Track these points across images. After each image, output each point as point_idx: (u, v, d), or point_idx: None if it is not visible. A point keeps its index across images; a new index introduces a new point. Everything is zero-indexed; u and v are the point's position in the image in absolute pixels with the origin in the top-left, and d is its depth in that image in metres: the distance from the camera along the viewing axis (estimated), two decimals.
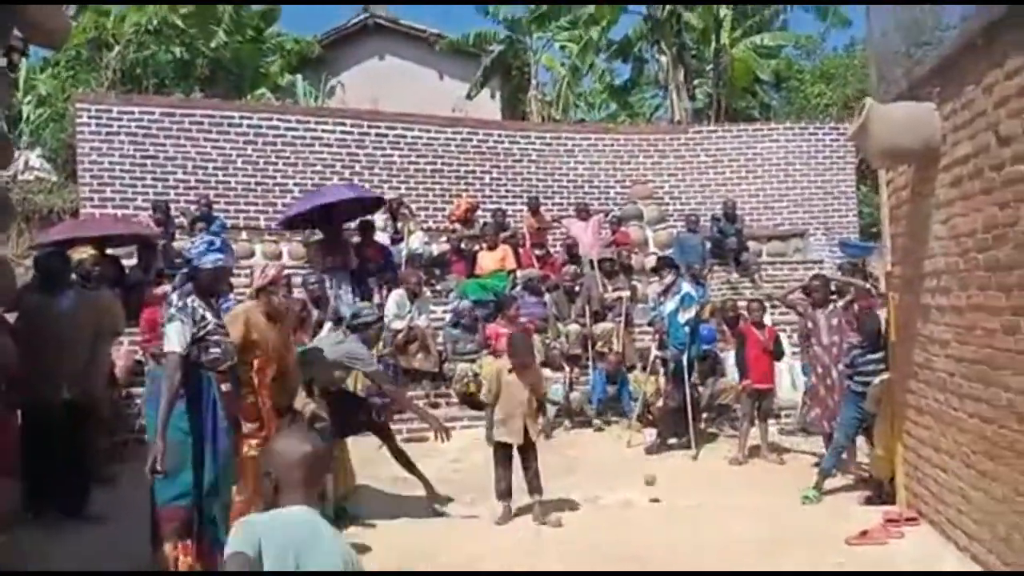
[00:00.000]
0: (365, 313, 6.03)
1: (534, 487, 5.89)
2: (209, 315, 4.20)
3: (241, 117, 12.07)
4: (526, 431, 5.84)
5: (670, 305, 8.23)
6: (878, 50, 6.59)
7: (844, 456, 6.66)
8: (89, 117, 11.29)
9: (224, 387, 4.33)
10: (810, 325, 7.36)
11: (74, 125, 11.80)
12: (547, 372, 9.10)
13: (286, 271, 5.04)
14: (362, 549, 5.06)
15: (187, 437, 4.08)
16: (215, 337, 4.22)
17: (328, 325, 8.05)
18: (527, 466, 5.91)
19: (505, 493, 5.90)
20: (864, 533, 5.20)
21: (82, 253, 6.21)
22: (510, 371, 5.93)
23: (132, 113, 11.45)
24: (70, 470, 5.51)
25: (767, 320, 8.67)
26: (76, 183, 11.70)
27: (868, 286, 8.82)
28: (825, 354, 7.07)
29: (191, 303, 4.16)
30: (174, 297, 4.19)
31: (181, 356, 4.04)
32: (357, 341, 5.73)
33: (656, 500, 6.33)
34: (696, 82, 20.16)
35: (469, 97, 18.48)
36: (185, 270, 4.30)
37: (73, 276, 6.16)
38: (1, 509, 3.80)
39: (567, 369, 9.41)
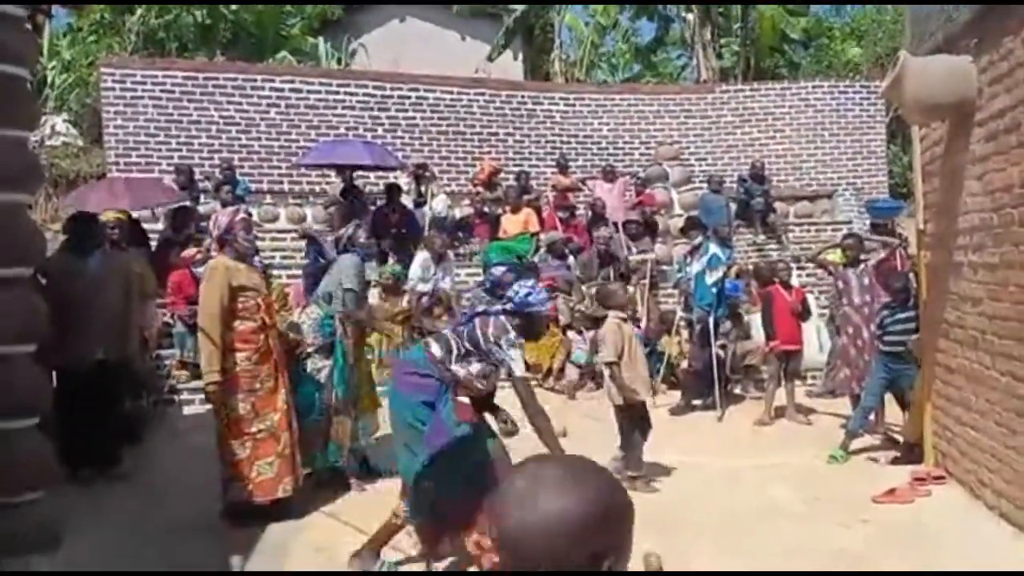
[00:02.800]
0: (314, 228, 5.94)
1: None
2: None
3: (263, 80, 12.05)
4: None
5: (697, 266, 8.17)
6: (912, 3, 6.41)
7: (872, 417, 6.62)
8: (113, 82, 11.33)
9: None
10: (841, 285, 7.27)
11: (99, 90, 11.85)
12: (571, 335, 9.11)
13: (241, 215, 5.02)
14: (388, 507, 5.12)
15: None
16: None
17: None
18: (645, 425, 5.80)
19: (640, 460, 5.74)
20: (891, 491, 5.18)
21: (108, 215, 6.25)
22: (625, 321, 5.83)
23: (156, 77, 11.47)
24: (102, 430, 5.60)
25: (794, 281, 8.59)
26: (102, 147, 11.78)
27: (899, 243, 8.70)
28: (856, 314, 6.99)
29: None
30: (513, 334, 4.10)
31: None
32: (349, 257, 5.59)
33: None
34: (723, 41, 19.79)
35: (491, 59, 18.27)
36: (509, 308, 4.17)
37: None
38: (40, 466, 3.85)
39: (591, 332, 9.38)
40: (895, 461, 6.09)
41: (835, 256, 8.15)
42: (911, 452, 6.06)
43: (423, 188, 11.19)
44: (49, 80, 14.47)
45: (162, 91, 11.44)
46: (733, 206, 11.95)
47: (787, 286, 7.99)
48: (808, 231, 12.17)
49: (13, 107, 3.89)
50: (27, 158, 4.00)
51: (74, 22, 16.05)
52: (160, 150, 11.35)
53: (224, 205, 9.55)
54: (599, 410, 8.24)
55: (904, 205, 10.95)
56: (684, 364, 8.73)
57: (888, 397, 6.57)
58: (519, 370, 4.12)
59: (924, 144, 5.81)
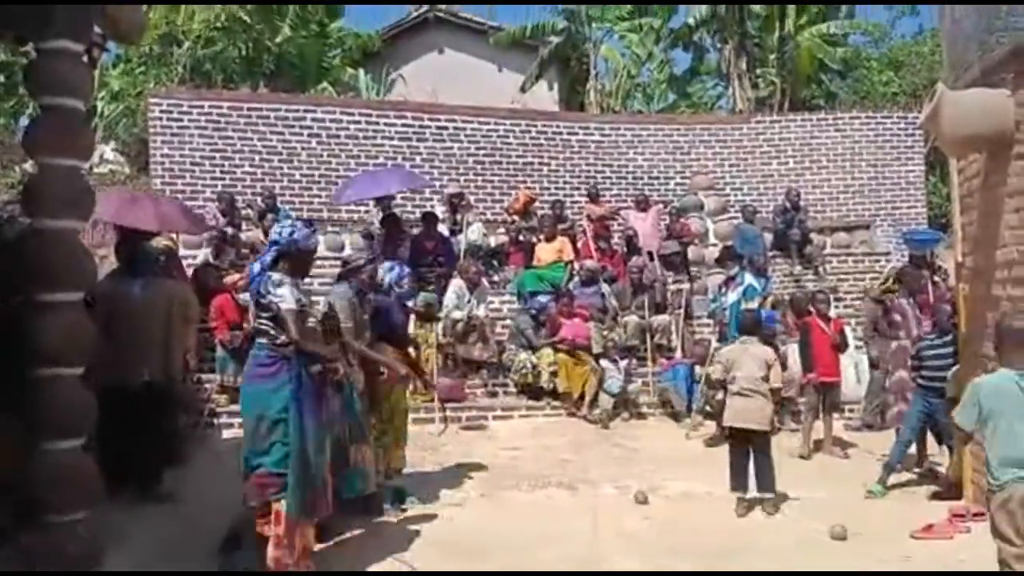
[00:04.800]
0: (354, 258, 6.06)
1: (767, 484, 5.83)
2: (300, 295, 4.37)
3: (305, 111, 12.32)
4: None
5: (732, 296, 8.17)
6: (950, 35, 6.41)
7: (911, 451, 6.53)
8: (161, 112, 11.67)
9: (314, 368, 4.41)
10: (898, 318, 7.17)
11: (146, 119, 12.19)
12: (604, 363, 9.11)
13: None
14: (420, 534, 5.17)
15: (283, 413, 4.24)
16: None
17: None
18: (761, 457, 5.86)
19: (743, 484, 5.83)
20: (930, 527, 5.10)
21: (159, 242, 6.44)
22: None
23: (202, 107, 11.79)
24: (146, 450, 5.72)
25: (831, 312, 8.52)
26: (148, 175, 12.10)
27: (926, 277, 8.61)
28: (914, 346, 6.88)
29: (288, 280, 4.32)
30: (275, 276, 4.30)
31: (297, 312, 4.24)
32: (342, 289, 5.67)
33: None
34: (759, 71, 19.82)
35: (524, 89, 18.49)
36: (274, 251, 4.41)
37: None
38: (85, 486, 3.95)
39: (625, 361, 9.36)
40: (935, 496, 6.01)
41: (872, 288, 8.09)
42: (951, 489, 5.96)
43: (459, 216, 11.32)
44: (99, 110, 14.91)
45: (207, 121, 11.75)
46: (768, 236, 11.91)
47: (825, 318, 7.92)
48: (845, 262, 12.08)
49: (70, 138, 4.06)
50: (81, 186, 4.16)
51: (123, 54, 16.54)
52: (205, 178, 11.63)
53: (267, 233, 9.75)
54: (632, 438, 8.24)
55: (942, 236, 10.83)
56: (719, 395, 8.66)
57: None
58: (284, 304, 4.23)
59: (962, 176, 5.78)
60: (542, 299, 9.71)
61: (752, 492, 5.83)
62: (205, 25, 15.93)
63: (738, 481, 5.83)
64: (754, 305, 8.06)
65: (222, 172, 11.71)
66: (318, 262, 10.48)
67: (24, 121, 13.15)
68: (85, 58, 4.33)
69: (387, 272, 5.95)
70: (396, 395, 5.88)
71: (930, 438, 6.69)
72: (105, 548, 4.24)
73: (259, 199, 11.05)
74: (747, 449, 5.86)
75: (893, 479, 6.31)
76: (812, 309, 8.06)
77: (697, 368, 9.23)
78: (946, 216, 13.55)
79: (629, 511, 5.82)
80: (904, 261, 10.51)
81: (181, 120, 11.65)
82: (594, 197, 12.28)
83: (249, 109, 12.02)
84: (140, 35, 5.32)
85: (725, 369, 5.99)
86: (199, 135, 11.69)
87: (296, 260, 4.43)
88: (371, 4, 23.06)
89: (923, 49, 21.55)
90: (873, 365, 8.42)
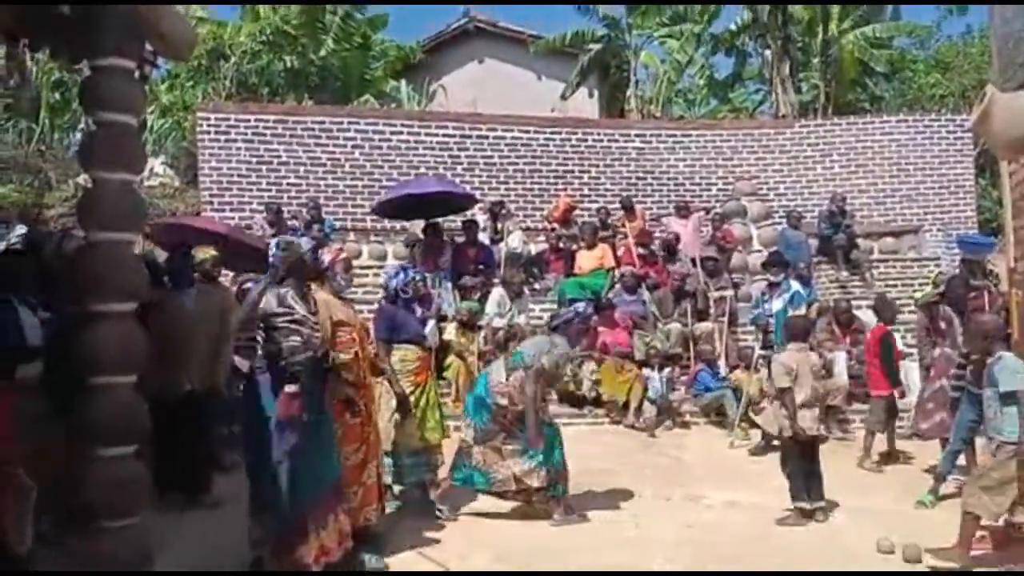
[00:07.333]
0: (562, 313, 6.34)
1: (820, 493, 5.80)
2: (299, 307, 4.42)
3: (349, 122, 12.50)
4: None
5: (778, 303, 8.08)
6: (1000, 37, 6.29)
7: (961, 461, 6.38)
8: (208, 125, 11.94)
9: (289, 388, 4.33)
10: (944, 325, 7.03)
11: (195, 133, 12.48)
12: (646, 371, 9.06)
13: (343, 255, 5.34)
14: (463, 539, 5.19)
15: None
16: (303, 328, 4.40)
17: (431, 323, 8.23)
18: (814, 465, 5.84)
19: (804, 494, 5.76)
20: (983, 538, 4.98)
21: (205, 253, 6.55)
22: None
23: (248, 121, 12.03)
24: (192, 458, 5.82)
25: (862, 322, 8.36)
26: (197, 188, 12.37)
27: (989, 283, 8.41)
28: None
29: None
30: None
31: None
32: (562, 339, 5.97)
33: None
34: (802, 75, 19.58)
35: (564, 97, 18.50)
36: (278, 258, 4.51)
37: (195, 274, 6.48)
38: (136, 492, 4.05)
39: (668, 369, 9.30)
40: None
41: (923, 294, 7.93)
42: None
43: (499, 225, 11.37)
44: (149, 125, 15.26)
45: (254, 134, 12.00)
46: (813, 242, 11.75)
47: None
48: (893, 267, 11.87)
49: (122, 152, 4.17)
50: (133, 199, 4.27)
51: (172, 69, 16.93)
52: (251, 190, 11.87)
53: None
54: (676, 446, 8.18)
55: (995, 241, 10.59)
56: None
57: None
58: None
59: (1014, 180, 5.67)
60: (579, 307, 9.61)
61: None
62: (251, 39, 16.26)
63: (800, 491, 5.75)
64: (802, 312, 7.94)
65: (268, 184, 11.94)
66: (363, 271, 10.73)
67: (78, 136, 13.51)
68: (137, 74, 4.46)
69: (392, 278, 6.00)
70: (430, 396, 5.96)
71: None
72: (154, 555, 4.34)
73: (304, 210, 11.22)
74: (807, 458, 5.79)
75: (946, 489, 6.17)
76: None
77: (738, 372, 9.12)
78: (996, 220, 13.27)
79: (672, 520, 5.77)
80: (954, 265, 10.32)
81: (228, 133, 11.91)
82: (629, 209, 12.07)
83: (294, 122, 12.25)
84: (190, 51, 5.44)
85: (791, 377, 5.89)
86: (246, 148, 11.93)
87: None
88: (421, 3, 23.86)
89: (971, 50, 21.15)
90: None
